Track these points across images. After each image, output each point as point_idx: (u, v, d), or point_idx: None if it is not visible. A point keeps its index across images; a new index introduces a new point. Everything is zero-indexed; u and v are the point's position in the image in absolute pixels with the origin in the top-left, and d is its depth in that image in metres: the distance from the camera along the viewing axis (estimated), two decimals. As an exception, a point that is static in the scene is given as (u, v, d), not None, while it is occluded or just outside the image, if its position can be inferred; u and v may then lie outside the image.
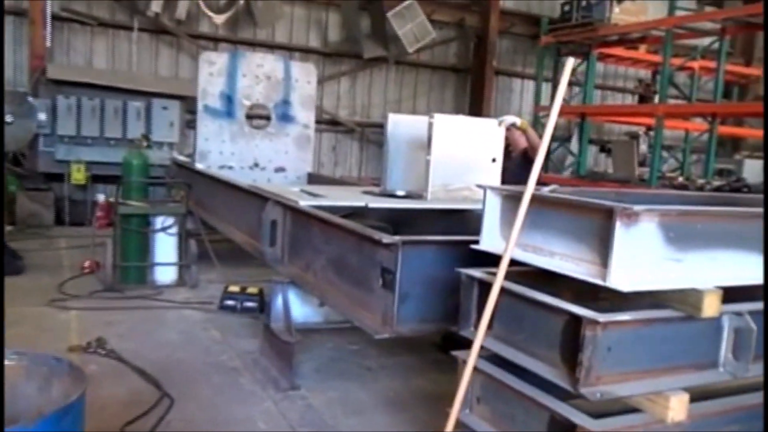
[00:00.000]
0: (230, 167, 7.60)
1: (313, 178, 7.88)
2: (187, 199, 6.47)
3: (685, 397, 2.38)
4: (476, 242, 3.05)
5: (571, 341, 2.38)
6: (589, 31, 11.06)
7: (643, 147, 11.86)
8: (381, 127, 12.77)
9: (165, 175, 8.17)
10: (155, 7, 10.42)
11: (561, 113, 12.89)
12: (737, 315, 2.54)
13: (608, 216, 2.32)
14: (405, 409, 4.00)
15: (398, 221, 5.14)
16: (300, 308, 4.49)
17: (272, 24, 11.56)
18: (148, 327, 5.27)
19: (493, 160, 5.19)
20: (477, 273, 2.87)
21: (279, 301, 4.45)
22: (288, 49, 11.70)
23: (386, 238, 3.29)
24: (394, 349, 5.02)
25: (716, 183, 9.11)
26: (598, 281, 2.33)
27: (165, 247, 6.55)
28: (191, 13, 10.90)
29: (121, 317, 5.42)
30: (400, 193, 5.25)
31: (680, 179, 10.77)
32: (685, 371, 2.51)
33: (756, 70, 13.63)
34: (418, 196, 5.03)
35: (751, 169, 10.17)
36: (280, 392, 4.12)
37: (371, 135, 12.74)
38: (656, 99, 11.20)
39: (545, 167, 11.89)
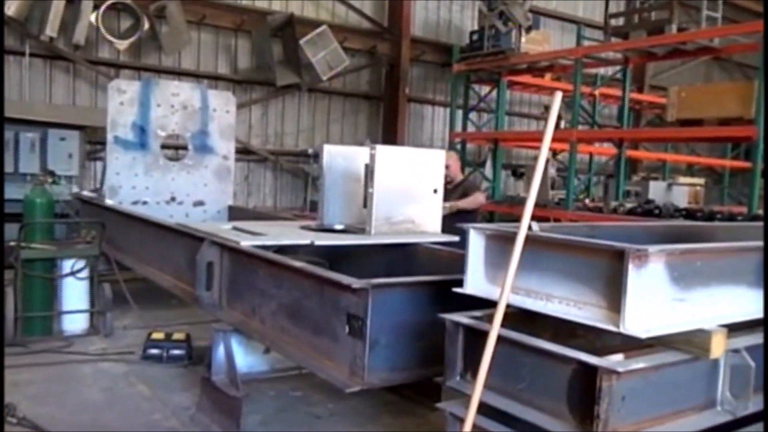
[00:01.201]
0: (144, 202, 7.07)
1: (235, 212, 7.48)
2: (101, 240, 5.91)
3: (697, 443, 2.28)
4: (452, 283, 2.88)
5: (581, 391, 2.23)
6: (501, 60, 11.32)
7: (552, 171, 12.20)
8: (295, 155, 12.53)
9: (69, 212, 7.49)
10: (50, 30, 9.68)
11: (473, 139, 13.19)
12: (734, 352, 2.49)
13: (616, 257, 2.20)
14: (367, 462, 3.73)
15: (335, 257, 4.89)
16: (243, 357, 4.13)
17: (178, 50, 11.05)
18: (63, 386, 4.70)
19: (435, 191, 5.06)
20: (463, 319, 2.68)
21: (221, 351, 4.08)
22: (196, 76, 11.20)
23: (355, 283, 3.04)
24: (340, 394, 4.71)
25: (628, 205, 9.47)
26: (611, 327, 2.20)
27: (74, 292, 5.93)
28: (90, 38, 10.22)
29: (29, 376, 4.81)
30: (339, 227, 5.02)
31: (587, 201, 11.18)
32: (688, 414, 2.43)
33: (648, 97, 14.46)
34: (358, 229, 4.82)
35: (655, 190, 10.68)
36: (227, 453, 3.75)
37: (285, 164, 12.41)
38: (562, 124, 11.59)
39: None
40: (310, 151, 12.20)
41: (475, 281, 2.72)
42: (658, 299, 2.24)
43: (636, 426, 2.24)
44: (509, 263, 2.40)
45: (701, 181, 13.93)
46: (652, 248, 2.19)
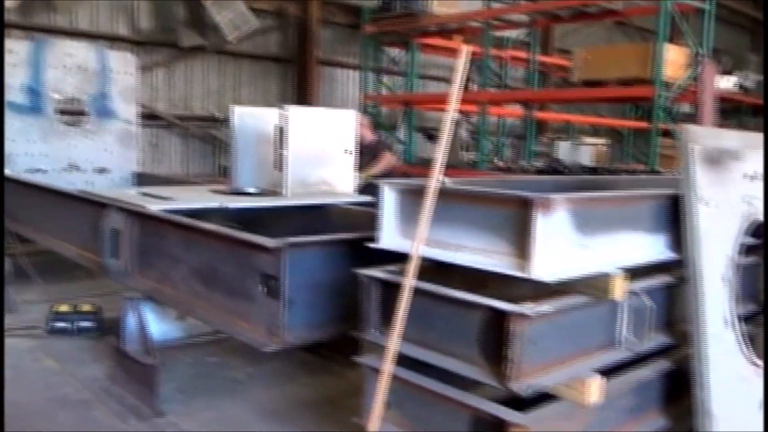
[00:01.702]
0: (42, 170, 6.68)
1: (142, 179, 7.19)
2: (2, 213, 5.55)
3: (600, 379, 2.41)
4: (365, 240, 2.89)
5: (493, 336, 2.31)
6: (411, 22, 11.31)
7: (464, 133, 12.42)
8: (204, 120, 12.13)
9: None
10: (-74, -14, 8.86)
11: (386, 103, 13.19)
12: (634, 294, 2.64)
13: (523, 206, 2.26)
14: (288, 420, 3.74)
15: (249, 221, 4.81)
16: (157, 325, 4.02)
17: (72, 8, 10.39)
18: (-37, 365, 4.43)
19: (348, 152, 5.05)
20: (378, 273, 2.71)
21: (132, 320, 3.96)
22: (92, 37, 10.57)
23: (270, 243, 3.00)
24: (258, 357, 4.70)
25: (537, 164, 9.78)
26: (518, 273, 2.28)
27: (-30, 268, 5.58)
28: (-28, -6, 9.43)
29: (-76, 358, 4.51)
30: (252, 190, 4.93)
31: (500, 162, 11.47)
32: (592, 353, 2.56)
33: (555, 59, 14.87)
34: (271, 192, 4.75)
35: (562, 150, 11.08)
36: (144, 422, 3.66)
37: (194, 129, 12.01)
38: (473, 86, 11.77)
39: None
40: (220, 115, 11.85)
41: (389, 236, 2.75)
42: (563, 245, 2.33)
43: (544, 366, 2.35)
44: (421, 216, 2.43)
45: (605, 141, 14.53)
46: (556, 196, 2.27)
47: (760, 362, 3.09)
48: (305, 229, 4.75)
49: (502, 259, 2.35)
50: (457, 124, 12.80)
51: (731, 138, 3.20)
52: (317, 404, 3.97)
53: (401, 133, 12.77)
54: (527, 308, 2.21)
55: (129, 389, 3.96)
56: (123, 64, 7.30)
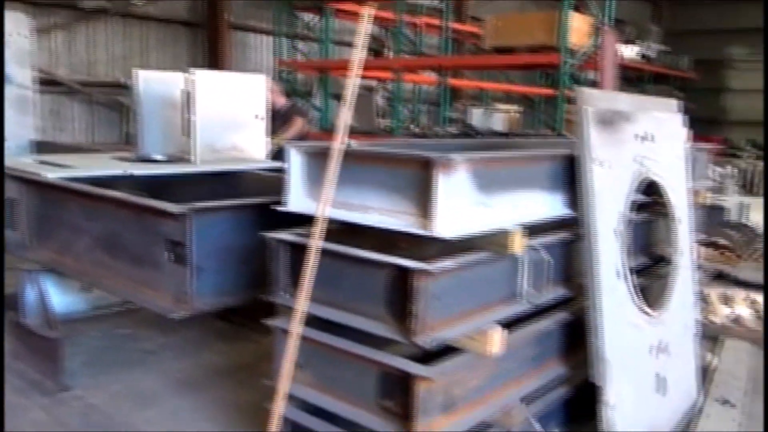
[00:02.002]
0: (-73, 140, 6.21)
1: (44, 147, 6.81)
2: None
3: (502, 331, 2.52)
4: (273, 204, 2.87)
5: (398, 293, 2.36)
6: (323, -14, 11.15)
7: (379, 99, 12.43)
8: (110, 86, 11.60)
9: None
10: None
11: (301, 69, 12.99)
12: (533, 249, 2.76)
13: (425, 166, 2.31)
14: (203, 389, 3.71)
15: (157, 189, 4.68)
16: (59, 297, 3.88)
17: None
18: None
19: (258, 117, 4.97)
20: (286, 236, 2.71)
21: (32, 293, 3.80)
22: (-18, -4, 9.85)
23: (173, 208, 2.94)
24: (171, 327, 4.62)
25: (451, 130, 9.93)
26: (421, 232, 2.33)
27: None
28: None
29: None
30: (159, 157, 4.78)
31: (415, 129, 11.58)
32: (495, 307, 2.66)
33: (468, 27, 15.04)
34: (180, 159, 4.63)
35: (476, 117, 11.29)
36: (48, 396, 3.55)
37: (99, 95, 11.47)
38: (388, 53, 11.76)
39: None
40: (127, 81, 11.35)
41: (296, 198, 2.74)
42: (464, 204, 2.40)
43: (449, 320, 2.43)
44: (326, 178, 2.44)
45: (517, 108, 14.90)
46: (457, 156, 2.33)
47: (650, 310, 3.31)
48: (216, 195, 4.65)
49: (406, 219, 2.40)
50: (373, 90, 12.81)
51: (623, 101, 3.36)
52: (232, 371, 3.96)
53: (317, 100, 12.65)
54: (429, 264, 2.27)
55: (32, 364, 3.82)
56: (15, 25, 6.84)
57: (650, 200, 3.55)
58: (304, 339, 2.69)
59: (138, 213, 3.21)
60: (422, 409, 2.32)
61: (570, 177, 2.96)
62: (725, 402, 3.79)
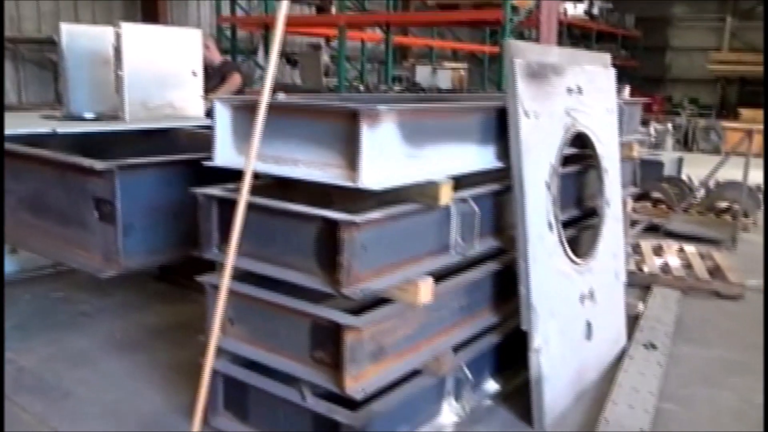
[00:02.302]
0: None
1: (-33, 107, 6.52)
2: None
3: (430, 281, 2.56)
4: (203, 160, 2.83)
5: (326, 246, 2.37)
6: (265, -62, 10.81)
7: (326, 58, 12.25)
8: (39, 42, 11.08)
9: None
10: None
11: (243, 25, 12.65)
12: (462, 201, 2.79)
13: (352, 119, 2.30)
14: (138, 349, 3.68)
15: (89, 149, 4.54)
16: (-15, 260, 3.77)
17: None
18: None
19: (194, 74, 4.85)
20: (215, 191, 2.67)
21: (-44, 257, 3.68)
22: None
23: (98, 165, 2.86)
24: (108, 289, 4.56)
25: (397, 88, 9.88)
26: (348, 183, 2.33)
27: None
28: None
29: None
30: (89, 115, 4.63)
31: (362, 87, 11.47)
32: (425, 258, 2.70)
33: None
34: (112, 117, 4.50)
35: (422, 75, 11.25)
36: (-24, 361, 3.47)
37: (27, 53, 10.96)
38: (333, 10, 11.56)
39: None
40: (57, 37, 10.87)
41: (225, 153, 2.70)
42: (391, 156, 2.41)
43: (377, 271, 2.46)
44: (253, 132, 2.41)
45: (464, 65, 14.90)
46: (383, 107, 2.33)
47: (579, 260, 3.42)
48: (150, 154, 4.57)
49: (333, 172, 2.40)
50: (320, 49, 12.61)
51: (554, 54, 3.40)
52: (169, 330, 3.93)
53: (260, 58, 12.37)
54: (356, 216, 2.28)
55: (-40, 330, 3.71)
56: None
57: (580, 152, 3.63)
58: (237, 294, 2.69)
59: (64, 171, 3.12)
60: (351, 359, 2.36)
61: (502, 129, 2.99)
62: (649, 345, 3.97)
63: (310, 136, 2.46)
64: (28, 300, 4.30)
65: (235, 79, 6.26)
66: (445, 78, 11.79)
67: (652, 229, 6.98)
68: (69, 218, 3.14)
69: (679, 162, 9.59)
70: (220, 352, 2.79)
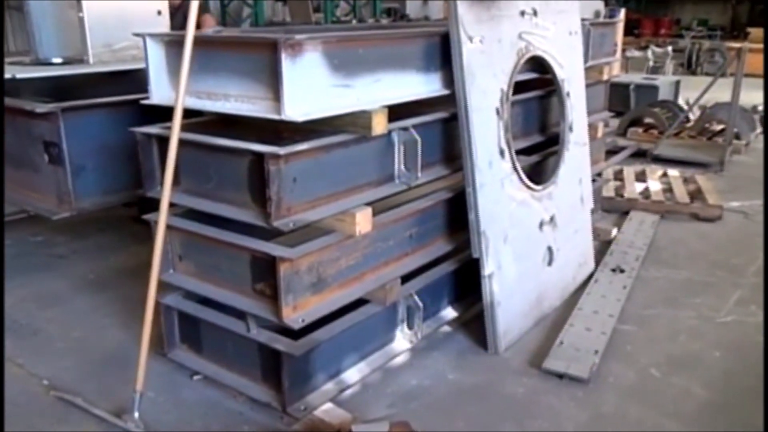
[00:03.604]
0: None
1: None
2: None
3: (368, 210, 2.58)
4: (143, 99, 2.82)
5: (258, 179, 2.38)
6: None
7: (316, -8, 11.97)
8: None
9: None
10: None
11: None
12: (404, 130, 2.78)
13: (274, 49, 2.27)
14: (106, 288, 3.77)
15: (60, 93, 4.53)
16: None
17: None
18: None
19: (159, 13, 4.78)
20: (153, 129, 2.68)
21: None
22: None
23: (40, 108, 2.87)
24: (86, 232, 4.65)
25: (385, 21, 9.68)
26: (274, 116, 2.32)
27: None
28: None
29: None
30: (57, 60, 4.61)
31: (354, 21, 11.24)
32: (366, 189, 2.71)
33: None
34: (79, 61, 4.47)
35: (412, 7, 10.99)
36: (-47, 305, 3.58)
37: (12, 0, 10.80)
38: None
39: (223, 22, 11.43)
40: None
41: (160, 90, 2.69)
42: (317, 86, 2.38)
43: (312, 203, 2.48)
44: (182, 67, 2.39)
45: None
46: (304, 36, 2.29)
47: (537, 187, 3.41)
48: (116, 96, 4.56)
49: (261, 104, 2.38)
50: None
51: (505, -25, 3.29)
52: (141, 269, 3.97)
53: (250, -5, 12.11)
54: (281, 148, 2.28)
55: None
56: None
57: (536, 77, 3.57)
58: (183, 231, 2.73)
59: (14, 116, 3.14)
60: (287, 289, 2.40)
61: (449, 56, 2.93)
62: (617, 269, 4.00)
63: (238, 69, 2.44)
64: (8, 244, 4.39)
65: (207, 21, 6.13)
66: (435, 8, 11.51)
67: (641, 155, 6.91)
68: (23, 162, 3.17)
69: (677, 85, 9.39)
70: (173, 287, 2.86)
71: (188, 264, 2.78)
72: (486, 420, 2.66)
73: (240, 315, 2.64)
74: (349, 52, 2.50)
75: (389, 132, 2.73)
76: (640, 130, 7.62)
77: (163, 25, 4.79)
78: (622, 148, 7.00)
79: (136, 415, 2.50)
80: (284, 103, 2.27)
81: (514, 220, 3.23)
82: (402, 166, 2.83)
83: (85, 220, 4.62)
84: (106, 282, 3.88)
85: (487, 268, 3.04)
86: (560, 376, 2.93)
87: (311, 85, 2.35)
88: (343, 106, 2.48)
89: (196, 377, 2.88)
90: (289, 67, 2.25)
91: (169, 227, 2.72)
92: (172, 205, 2.66)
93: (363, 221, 2.55)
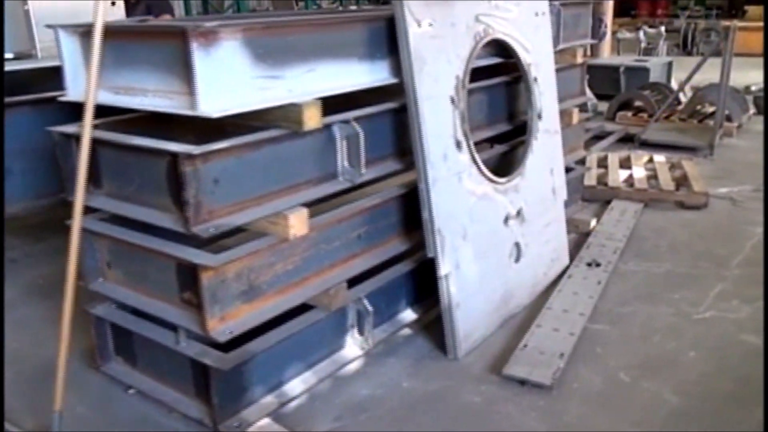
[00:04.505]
0: None
1: None
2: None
3: (303, 212, 2.38)
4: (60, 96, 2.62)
5: (177, 181, 2.19)
6: None
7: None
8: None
9: None
10: None
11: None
12: (345, 123, 2.57)
13: (185, 39, 2.06)
14: (53, 295, 3.56)
15: (10, 89, 4.32)
16: None
17: None
18: None
19: (113, 4, 4.58)
20: (71, 129, 2.48)
21: None
22: None
23: (-43, 107, 2.68)
24: (41, 234, 4.46)
25: (366, 7, 9.43)
26: (188, 112, 2.13)
27: None
28: None
29: None
30: (9, 55, 4.43)
31: (340, 7, 11.00)
32: (304, 188, 2.51)
33: None
34: (28, 55, 4.29)
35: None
36: None
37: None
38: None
39: (205, 11, 11.20)
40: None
41: (77, 86, 2.49)
42: (238, 78, 2.17)
43: (238, 206, 2.28)
44: (91, 60, 2.19)
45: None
46: (217, 24, 2.08)
47: (501, 179, 3.20)
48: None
49: (177, 99, 2.18)
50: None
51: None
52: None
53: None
54: (194, 148, 2.08)
55: None
56: None
57: (499, 62, 3.35)
58: (108, 237, 2.55)
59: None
60: (212, 299, 2.21)
61: (396, 41, 2.72)
62: (593, 263, 3.80)
63: (153, 61, 2.24)
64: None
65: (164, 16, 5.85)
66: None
67: (630, 140, 6.67)
68: (-51, 165, 2.98)
69: (669, 67, 9.13)
70: (104, 297, 2.68)
71: (117, 272, 2.60)
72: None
73: (173, 327, 2.46)
74: (276, 40, 2.29)
75: (329, 126, 2.53)
76: (630, 114, 7.38)
77: (117, 17, 4.59)
78: (610, 134, 6.77)
79: (55, 432, 2.33)
80: (198, 98, 2.07)
81: (474, 216, 3.02)
82: (345, 163, 2.63)
83: (43, 222, 4.44)
84: (55, 288, 3.66)
85: (443, 268, 2.84)
86: (522, 382, 2.74)
87: (230, 78, 2.15)
88: (271, 99, 2.28)
89: (131, 391, 2.70)
90: (201, 58, 2.05)
91: (94, 233, 2.55)
92: (96, 210, 2.49)
93: (298, 223, 2.35)
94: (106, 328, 2.74)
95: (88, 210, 2.67)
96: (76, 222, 2.27)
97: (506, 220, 3.24)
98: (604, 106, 7.79)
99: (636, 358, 2.93)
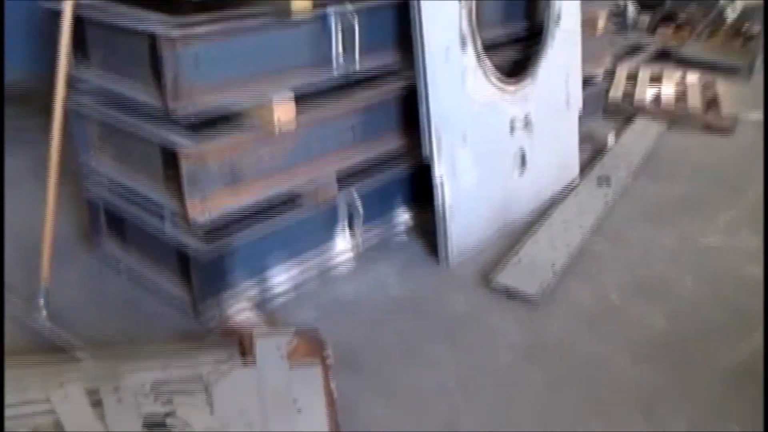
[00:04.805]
0: None
1: None
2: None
3: (291, 104, 2.29)
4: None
5: (157, 61, 2.11)
6: None
7: None
8: None
9: None
10: None
11: None
12: (341, 14, 2.43)
13: None
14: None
15: None
16: None
17: None
18: None
19: None
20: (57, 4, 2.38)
21: None
22: None
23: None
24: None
25: None
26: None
27: None
28: None
29: None
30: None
31: None
32: (296, 74, 2.40)
33: None
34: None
35: None
36: None
37: None
38: None
39: None
40: None
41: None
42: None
43: (221, 87, 2.19)
44: None
45: None
46: None
47: (507, 85, 3.04)
48: None
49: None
50: None
51: None
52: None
53: None
54: (177, 30, 1.98)
55: None
56: None
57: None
58: (96, 118, 2.51)
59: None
60: (192, 183, 2.17)
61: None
62: (604, 179, 3.67)
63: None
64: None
65: None
66: None
67: (667, 56, 6.31)
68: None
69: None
70: (97, 178, 2.67)
71: (107, 151, 2.57)
72: (415, 337, 2.46)
73: (160, 214, 2.44)
74: None
75: (324, 15, 2.39)
76: (671, 27, 6.95)
77: None
78: (647, 47, 6.42)
79: (41, 302, 2.38)
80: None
81: (477, 119, 2.90)
82: (339, 53, 2.50)
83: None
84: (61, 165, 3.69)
85: (438, 169, 2.75)
86: (510, 294, 2.70)
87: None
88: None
89: (122, 272, 2.74)
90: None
91: (77, 114, 2.50)
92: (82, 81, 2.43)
93: (285, 112, 2.27)
94: (99, 209, 2.74)
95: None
96: (60, 89, 2.23)
97: (512, 127, 3.12)
98: (646, 20, 7.35)
99: (630, 279, 2.86)
